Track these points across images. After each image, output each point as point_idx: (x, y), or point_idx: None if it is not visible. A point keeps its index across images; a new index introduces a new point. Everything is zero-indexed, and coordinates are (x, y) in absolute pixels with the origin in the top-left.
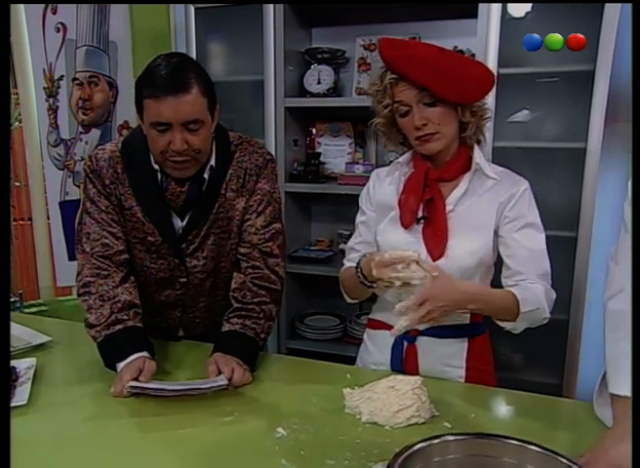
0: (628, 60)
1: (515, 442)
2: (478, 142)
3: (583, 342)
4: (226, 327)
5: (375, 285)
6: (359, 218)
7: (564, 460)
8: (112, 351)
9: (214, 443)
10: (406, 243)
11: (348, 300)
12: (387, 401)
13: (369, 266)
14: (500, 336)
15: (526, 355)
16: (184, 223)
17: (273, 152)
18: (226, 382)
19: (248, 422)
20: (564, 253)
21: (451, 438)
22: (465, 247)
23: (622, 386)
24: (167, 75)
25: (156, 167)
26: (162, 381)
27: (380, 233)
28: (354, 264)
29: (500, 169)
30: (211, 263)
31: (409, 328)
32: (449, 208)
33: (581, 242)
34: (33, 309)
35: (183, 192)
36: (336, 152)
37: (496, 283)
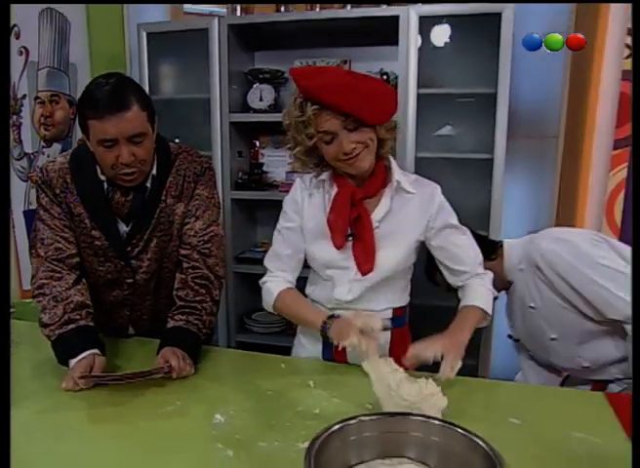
0: (525, 85)
1: (420, 418)
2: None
3: (494, 330)
4: (171, 323)
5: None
6: (285, 224)
7: (460, 431)
8: (65, 349)
9: (156, 429)
10: (340, 258)
11: (269, 310)
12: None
13: (341, 334)
14: (425, 327)
15: None
16: (129, 228)
17: (219, 163)
18: (168, 365)
19: (189, 410)
20: None
21: (365, 418)
22: (392, 259)
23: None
24: (107, 95)
25: (102, 178)
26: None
27: (314, 249)
28: (288, 281)
29: (413, 177)
30: (154, 264)
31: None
32: (375, 224)
33: (492, 237)
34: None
35: (128, 201)
36: (277, 162)
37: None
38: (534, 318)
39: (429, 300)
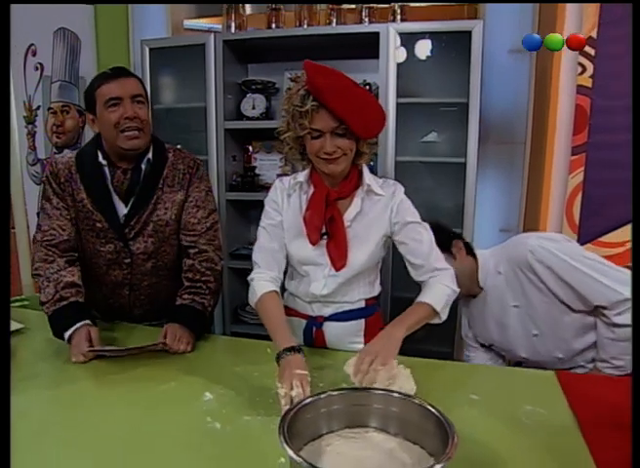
0: (496, 96)
1: (381, 391)
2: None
3: None
4: (179, 301)
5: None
6: (268, 221)
7: (416, 401)
8: (59, 323)
9: (153, 403)
10: (315, 255)
11: (252, 305)
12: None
13: (280, 376)
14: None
15: (425, 330)
16: (127, 210)
17: (215, 167)
18: (163, 342)
19: (183, 389)
20: None
21: (334, 393)
22: (363, 256)
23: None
24: (114, 69)
25: (104, 162)
26: (112, 346)
27: (291, 247)
28: (273, 284)
29: (381, 180)
30: (151, 246)
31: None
32: (347, 224)
33: (465, 235)
34: (17, 303)
35: (127, 179)
36: (269, 166)
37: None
38: (516, 316)
39: (411, 293)
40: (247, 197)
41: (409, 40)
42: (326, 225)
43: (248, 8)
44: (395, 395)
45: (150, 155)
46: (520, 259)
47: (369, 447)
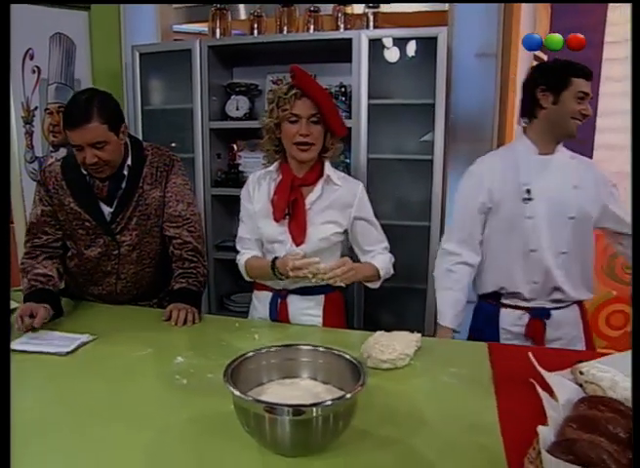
0: (464, 96)
1: (309, 347)
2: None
3: None
4: (176, 286)
5: (288, 277)
6: (243, 212)
7: (336, 352)
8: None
9: (130, 366)
10: (278, 233)
11: (247, 279)
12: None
13: (285, 268)
14: (374, 302)
15: (395, 316)
16: (112, 209)
17: (201, 164)
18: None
19: (158, 354)
20: (421, 237)
21: (272, 349)
22: (319, 235)
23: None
24: (75, 111)
25: (85, 172)
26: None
27: (260, 226)
28: (254, 253)
29: (342, 175)
30: (135, 238)
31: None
32: (307, 206)
33: (433, 228)
34: (18, 293)
35: (106, 186)
36: (252, 163)
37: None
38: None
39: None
40: (231, 192)
41: (380, 45)
42: (289, 207)
43: (242, 11)
44: (320, 349)
45: (129, 161)
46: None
47: (299, 389)
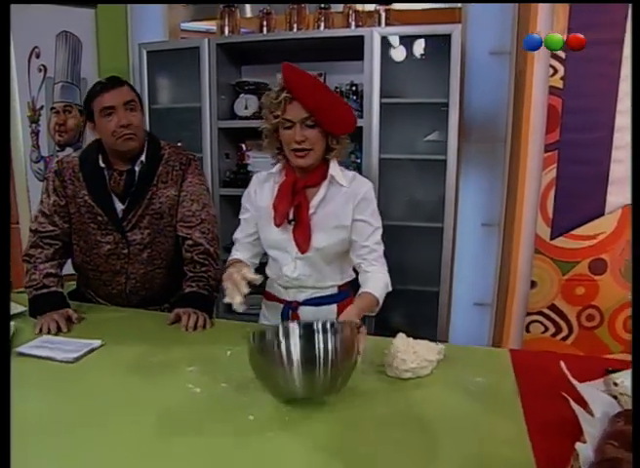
0: (477, 95)
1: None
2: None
3: (452, 308)
4: (187, 290)
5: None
6: (242, 215)
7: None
8: (37, 307)
9: (144, 374)
10: (281, 240)
11: None
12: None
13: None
14: (385, 306)
15: (407, 319)
16: (125, 206)
17: (209, 164)
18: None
19: (172, 363)
20: (434, 239)
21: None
22: (325, 242)
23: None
24: (106, 80)
25: (102, 165)
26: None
27: (261, 230)
28: (240, 256)
29: (351, 174)
30: (147, 238)
31: None
32: (311, 211)
33: (446, 230)
34: (18, 294)
35: (122, 180)
36: (261, 163)
37: None
38: None
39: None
40: (240, 193)
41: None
42: (294, 212)
43: (248, 9)
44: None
45: (144, 157)
46: None
47: None
